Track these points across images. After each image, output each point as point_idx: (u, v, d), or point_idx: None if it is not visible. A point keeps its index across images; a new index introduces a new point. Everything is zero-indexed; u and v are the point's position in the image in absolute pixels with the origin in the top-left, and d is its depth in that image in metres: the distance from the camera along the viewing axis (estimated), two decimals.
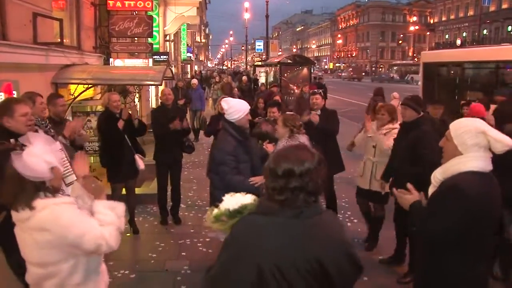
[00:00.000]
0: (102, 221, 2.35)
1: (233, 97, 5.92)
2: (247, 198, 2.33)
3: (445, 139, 2.63)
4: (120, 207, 2.52)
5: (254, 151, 4.28)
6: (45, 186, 2.26)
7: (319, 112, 6.08)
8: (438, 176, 2.60)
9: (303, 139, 4.49)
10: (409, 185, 2.82)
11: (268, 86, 16.66)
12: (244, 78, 20.19)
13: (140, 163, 5.83)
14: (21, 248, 2.31)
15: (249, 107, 4.20)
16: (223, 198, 2.38)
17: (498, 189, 2.53)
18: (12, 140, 3.19)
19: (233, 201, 2.31)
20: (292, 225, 1.87)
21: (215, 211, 2.36)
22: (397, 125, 5.19)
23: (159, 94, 6.59)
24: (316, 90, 6.89)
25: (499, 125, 5.07)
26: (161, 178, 6.45)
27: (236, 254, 1.88)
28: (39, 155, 2.22)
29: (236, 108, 4.05)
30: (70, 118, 6.54)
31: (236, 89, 14.04)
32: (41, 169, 2.20)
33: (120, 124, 5.60)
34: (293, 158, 1.88)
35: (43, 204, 2.21)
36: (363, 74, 64.42)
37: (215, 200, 4.09)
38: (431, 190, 2.67)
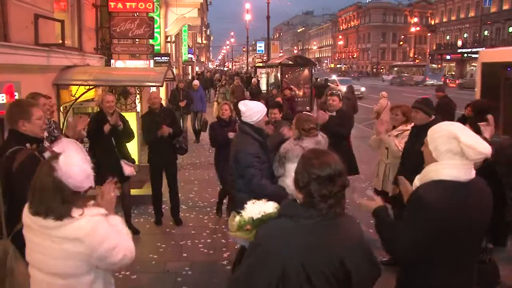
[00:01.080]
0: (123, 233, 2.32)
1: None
2: (269, 206, 2.35)
3: (424, 144, 2.46)
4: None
5: (269, 151, 4.34)
6: (81, 195, 2.20)
7: (334, 113, 6.10)
8: (416, 182, 2.45)
9: (309, 142, 4.38)
10: (370, 192, 2.73)
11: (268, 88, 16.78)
12: (254, 80, 19.82)
13: (126, 169, 5.78)
14: (37, 254, 2.20)
15: (265, 109, 4.22)
16: (246, 205, 2.40)
17: (478, 199, 2.34)
18: (27, 145, 3.15)
19: (256, 209, 2.33)
20: (318, 227, 1.93)
21: (237, 218, 2.38)
22: (409, 127, 5.10)
23: (149, 97, 6.53)
24: (334, 91, 6.87)
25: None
26: (154, 179, 6.46)
27: (262, 257, 1.93)
28: (79, 163, 2.17)
29: (255, 110, 4.07)
30: (71, 120, 6.56)
31: (248, 92, 13.82)
32: (81, 178, 2.15)
33: (106, 128, 5.54)
34: (332, 161, 1.97)
35: (78, 213, 2.14)
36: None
37: (238, 203, 4.08)
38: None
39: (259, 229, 2.14)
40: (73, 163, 2.14)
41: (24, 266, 2.49)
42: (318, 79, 26.38)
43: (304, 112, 5.11)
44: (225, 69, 77.55)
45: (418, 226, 2.25)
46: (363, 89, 31.07)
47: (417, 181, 2.43)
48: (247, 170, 3.98)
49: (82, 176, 2.15)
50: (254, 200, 2.40)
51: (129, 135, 6.00)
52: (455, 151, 2.26)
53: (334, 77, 35.52)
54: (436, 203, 2.23)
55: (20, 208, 2.34)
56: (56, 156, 2.15)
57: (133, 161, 6.09)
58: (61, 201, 2.11)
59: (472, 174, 2.32)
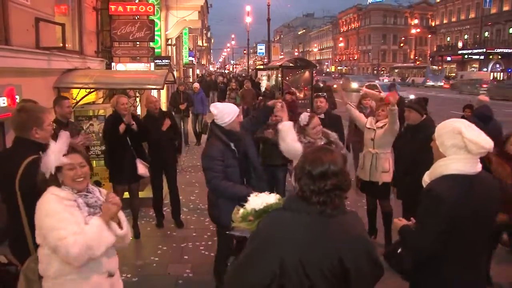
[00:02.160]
0: (83, 230, 2.35)
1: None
2: (271, 198, 2.43)
3: (432, 140, 2.58)
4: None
5: (251, 151, 4.21)
6: (56, 180, 2.46)
7: (322, 116, 6.10)
8: (426, 178, 2.54)
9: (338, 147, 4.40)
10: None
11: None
12: (268, 84, 18.90)
13: (140, 168, 5.86)
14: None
15: (238, 110, 4.15)
16: (249, 198, 2.48)
17: (485, 192, 2.43)
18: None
19: (258, 201, 2.41)
20: (318, 223, 1.94)
21: (241, 210, 2.46)
22: None
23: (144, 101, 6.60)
24: (320, 93, 6.90)
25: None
26: (154, 181, 6.49)
27: (261, 247, 1.96)
28: (52, 150, 2.42)
29: (225, 112, 4.02)
30: (72, 120, 6.57)
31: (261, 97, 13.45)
32: (47, 162, 2.41)
33: (122, 127, 5.64)
34: (328, 159, 1.98)
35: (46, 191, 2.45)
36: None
37: (212, 204, 4.14)
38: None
39: (261, 219, 2.17)
40: (50, 150, 2.44)
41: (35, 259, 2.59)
42: (320, 82, 26.33)
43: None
44: (226, 71, 77.51)
45: (433, 222, 2.35)
46: (411, 96, 23.52)
47: (427, 177, 2.54)
48: (206, 172, 3.98)
49: (48, 161, 2.42)
50: (257, 193, 2.47)
51: (144, 134, 6.05)
52: (460, 146, 2.38)
53: (376, 82, 30.90)
54: (448, 197, 2.33)
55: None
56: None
57: (148, 161, 6.14)
58: (40, 181, 2.48)
59: (478, 167, 2.44)
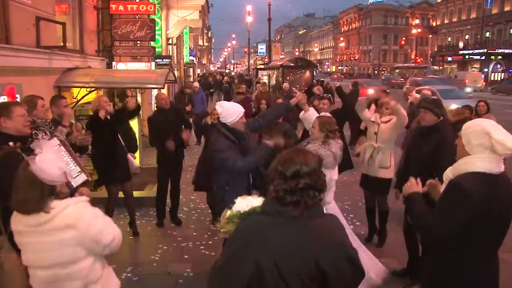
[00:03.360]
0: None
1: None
2: (257, 201, 2.41)
3: (458, 138, 2.67)
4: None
5: (253, 152, 4.23)
6: (56, 191, 2.36)
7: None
8: (449, 174, 2.62)
9: (336, 147, 4.44)
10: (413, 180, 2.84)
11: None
12: (286, 85, 17.43)
13: (134, 163, 5.89)
14: (34, 254, 2.33)
15: (243, 111, 4.20)
16: (235, 200, 2.47)
17: (508, 192, 2.51)
18: (11, 143, 3.17)
19: (244, 203, 2.41)
20: (293, 226, 1.93)
21: (228, 212, 2.47)
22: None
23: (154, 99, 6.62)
24: (325, 95, 6.84)
25: None
26: (162, 181, 6.46)
27: (238, 251, 1.97)
28: (53, 160, 2.35)
29: (230, 111, 4.09)
30: (73, 121, 6.56)
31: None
32: (55, 174, 2.31)
33: (101, 113, 5.48)
34: (300, 160, 1.97)
35: (64, 204, 2.33)
36: None
37: (219, 199, 4.16)
38: (443, 188, 2.68)
39: (240, 223, 2.17)
40: (47, 159, 2.33)
41: (15, 257, 2.61)
42: (323, 81, 26.28)
43: (322, 114, 5.14)
44: (227, 71, 77.43)
45: (456, 213, 2.42)
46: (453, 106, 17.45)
47: (450, 173, 2.61)
48: (225, 162, 4.00)
49: (55, 172, 2.31)
50: (244, 196, 2.47)
51: (138, 110, 6.07)
52: (486, 146, 2.47)
53: (435, 89, 18.94)
54: (474, 192, 2.40)
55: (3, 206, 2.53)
56: (35, 155, 2.38)
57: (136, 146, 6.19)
58: (39, 195, 2.28)
59: (502, 167, 2.52)
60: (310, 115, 5.12)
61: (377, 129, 5.48)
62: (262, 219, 2.02)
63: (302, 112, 5.28)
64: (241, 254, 1.95)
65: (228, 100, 19.07)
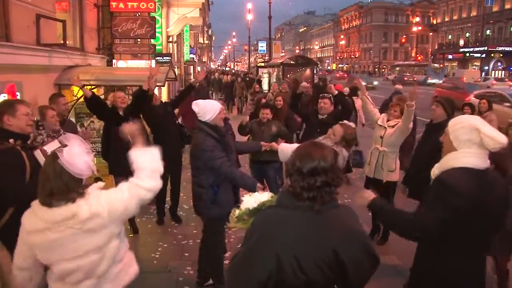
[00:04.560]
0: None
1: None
2: (264, 196, 2.47)
3: (444, 134, 2.67)
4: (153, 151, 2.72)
5: (231, 149, 4.34)
6: (82, 183, 2.40)
7: (325, 117, 6.09)
8: (436, 171, 2.62)
9: (345, 155, 4.25)
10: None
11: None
12: (284, 85, 12.32)
13: None
14: (59, 249, 2.32)
15: (220, 107, 4.22)
16: (243, 198, 2.52)
17: (495, 186, 2.52)
18: (11, 140, 3.17)
19: (251, 200, 2.47)
20: (311, 218, 1.96)
21: (237, 211, 2.51)
22: None
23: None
24: (325, 94, 6.80)
25: None
26: (162, 179, 6.43)
27: (257, 244, 1.98)
28: (80, 154, 2.37)
29: (207, 109, 4.10)
30: (73, 119, 6.58)
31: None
32: (82, 167, 2.35)
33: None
34: (318, 155, 1.98)
35: (86, 194, 2.37)
36: None
37: (196, 197, 4.25)
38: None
39: (255, 217, 2.19)
40: (75, 153, 2.35)
41: (5, 255, 2.63)
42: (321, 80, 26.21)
43: (345, 123, 4.60)
44: (227, 68, 77.29)
45: (441, 207, 2.41)
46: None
47: (436, 169, 2.62)
48: (210, 163, 4.02)
49: (83, 165, 2.35)
50: (251, 193, 2.53)
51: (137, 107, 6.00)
52: (475, 141, 2.48)
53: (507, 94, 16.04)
54: (459, 187, 2.40)
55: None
56: (62, 147, 2.38)
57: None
58: (64, 187, 2.29)
59: (487, 162, 2.53)
60: (287, 149, 4.25)
61: (383, 133, 5.46)
62: (279, 211, 2.03)
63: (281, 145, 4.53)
64: (261, 247, 1.95)
65: (232, 102, 18.84)
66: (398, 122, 5.34)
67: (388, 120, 5.53)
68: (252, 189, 3.56)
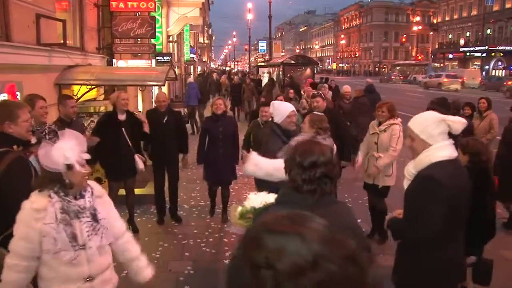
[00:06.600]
0: None
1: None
2: (270, 197, 2.49)
3: (410, 139, 2.69)
4: None
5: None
6: (62, 179, 2.37)
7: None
8: (411, 169, 2.67)
9: (328, 142, 4.33)
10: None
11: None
12: (281, 97, 10.27)
13: (140, 163, 5.86)
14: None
15: (292, 109, 4.32)
16: (249, 196, 2.57)
17: (463, 173, 2.68)
18: (15, 147, 3.12)
19: (258, 199, 2.52)
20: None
21: (240, 208, 2.52)
22: (397, 121, 5.45)
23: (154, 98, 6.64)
24: (316, 92, 6.82)
25: None
26: (157, 177, 6.48)
27: None
28: (62, 148, 2.35)
29: (278, 111, 4.28)
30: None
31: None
32: (56, 160, 2.32)
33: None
34: (318, 151, 2.09)
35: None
36: None
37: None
38: (405, 183, 2.74)
39: (258, 217, 2.22)
40: (57, 147, 2.36)
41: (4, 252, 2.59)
42: (325, 80, 26.18)
43: (315, 113, 5.08)
44: (228, 68, 77.23)
45: (438, 205, 2.48)
46: None
47: (412, 168, 2.66)
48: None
49: (56, 159, 2.33)
50: (257, 192, 2.57)
51: (142, 136, 6.08)
52: (445, 131, 2.59)
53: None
54: (445, 180, 2.48)
55: (9, 211, 2.45)
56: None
57: (144, 157, 6.16)
58: (42, 180, 2.43)
59: (456, 151, 2.67)
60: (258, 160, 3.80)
61: (377, 139, 5.51)
62: (278, 209, 2.05)
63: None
64: None
65: (239, 107, 18.25)
66: (388, 124, 5.40)
67: (379, 124, 5.55)
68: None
